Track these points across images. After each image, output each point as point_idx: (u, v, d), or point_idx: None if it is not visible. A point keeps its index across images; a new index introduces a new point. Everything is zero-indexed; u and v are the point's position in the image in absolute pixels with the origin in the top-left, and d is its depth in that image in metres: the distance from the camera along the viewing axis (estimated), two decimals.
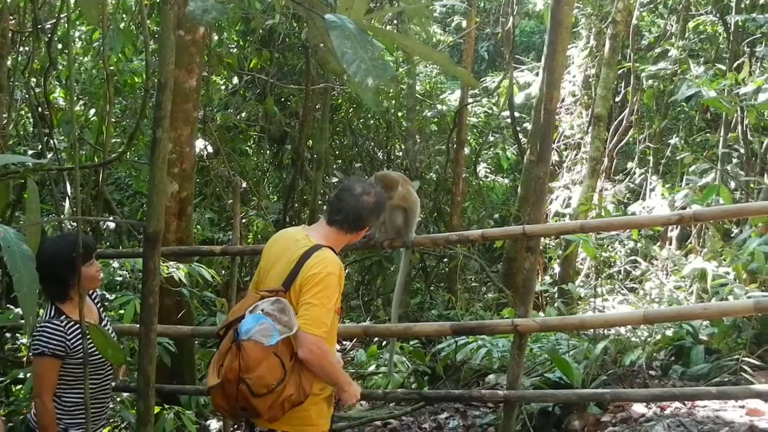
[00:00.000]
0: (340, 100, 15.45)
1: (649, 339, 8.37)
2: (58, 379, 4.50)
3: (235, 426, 7.24)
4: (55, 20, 9.76)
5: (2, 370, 8.08)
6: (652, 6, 15.45)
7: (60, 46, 11.66)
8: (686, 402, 6.93)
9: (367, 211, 4.34)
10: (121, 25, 10.10)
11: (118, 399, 7.44)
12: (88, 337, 3.51)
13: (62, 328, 4.46)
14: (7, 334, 8.36)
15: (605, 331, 8.27)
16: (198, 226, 12.30)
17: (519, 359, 5.84)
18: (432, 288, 14.07)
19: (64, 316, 4.51)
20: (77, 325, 4.44)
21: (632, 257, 12.09)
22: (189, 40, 8.15)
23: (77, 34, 12.11)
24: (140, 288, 7.33)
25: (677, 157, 13.53)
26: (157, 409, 7.32)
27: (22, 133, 11.67)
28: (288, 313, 3.99)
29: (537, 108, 12.07)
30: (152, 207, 2.96)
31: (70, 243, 4.41)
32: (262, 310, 3.99)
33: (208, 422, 7.87)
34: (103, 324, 4.76)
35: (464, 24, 16.37)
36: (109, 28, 9.05)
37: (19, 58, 10.19)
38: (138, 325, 6.74)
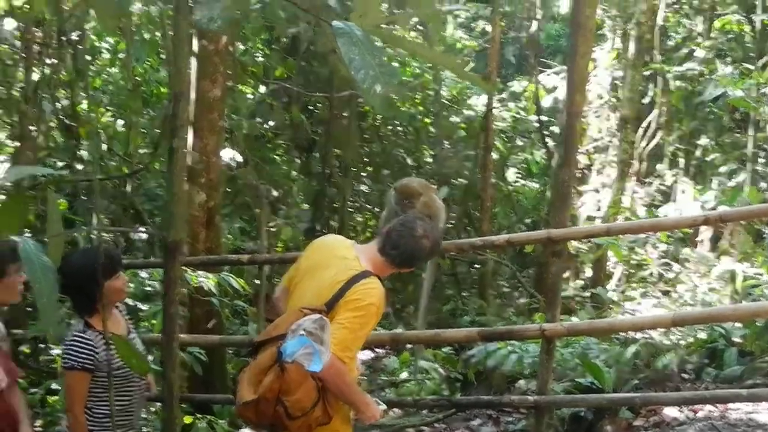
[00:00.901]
0: (367, 107, 15.45)
1: (681, 342, 8.31)
2: (89, 391, 4.52)
3: None
4: (80, 32, 9.81)
5: (37, 380, 8.14)
6: (677, 6, 15.34)
7: (88, 57, 11.78)
8: (719, 405, 6.89)
9: (422, 254, 4.34)
10: (146, 36, 10.16)
11: (152, 409, 7.47)
12: (113, 348, 3.54)
13: (91, 342, 4.42)
14: (41, 345, 8.42)
15: (636, 335, 8.21)
16: (228, 236, 12.34)
17: (548, 364, 5.80)
18: (464, 294, 14.02)
19: (92, 330, 4.53)
20: (98, 335, 4.47)
21: (664, 260, 12.02)
22: (212, 49, 8.17)
23: (105, 45, 12.17)
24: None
25: (707, 159, 13.45)
26: (189, 419, 7.36)
27: (52, 145, 11.72)
28: (326, 332, 3.96)
29: (563, 111, 12.02)
30: (172, 217, 2.96)
31: (96, 257, 4.43)
32: (305, 330, 3.93)
33: (241, 431, 7.88)
34: (130, 336, 4.76)
35: (489, 29, 16.31)
36: (134, 39, 9.11)
37: (47, 71, 10.23)
38: None
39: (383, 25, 2.60)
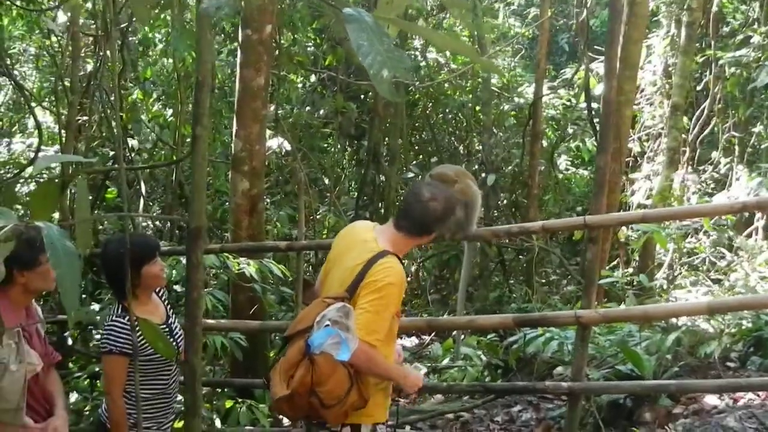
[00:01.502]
0: (417, 96, 15.50)
1: (726, 330, 8.25)
2: (128, 375, 4.64)
3: None
4: (126, 24, 9.97)
5: (85, 364, 8.32)
6: None
7: (141, 48, 11.97)
8: (761, 393, 6.85)
9: (433, 218, 4.30)
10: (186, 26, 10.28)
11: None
12: (140, 332, 3.62)
13: (128, 326, 4.53)
14: (93, 331, 8.59)
15: (678, 323, 8.17)
16: (277, 223, 12.46)
17: (583, 351, 5.83)
18: (511, 282, 14.03)
19: (126, 312, 4.65)
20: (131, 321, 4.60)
21: (716, 248, 11.91)
22: (256, 39, 8.25)
23: (158, 36, 12.33)
24: (209, 284, 7.53)
25: (762, 146, 13.28)
26: (230, 403, 7.49)
27: (105, 134, 11.93)
28: (351, 318, 3.99)
29: (615, 99, 11.95)
30: (194, 203, 3.04)
31: (132, 243, 4.54)
32: (330, 320, 3.97)
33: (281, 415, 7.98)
34: (169, 321, 4.87)
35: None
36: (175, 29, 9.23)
37: (99, 62, 10.42)
38: (210, 321, 6.94)
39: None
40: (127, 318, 4.58)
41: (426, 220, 4.28)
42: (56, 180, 2.87)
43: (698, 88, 15.52)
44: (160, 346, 3.39)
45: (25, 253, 3.67)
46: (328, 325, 3.95)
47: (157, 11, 10.05)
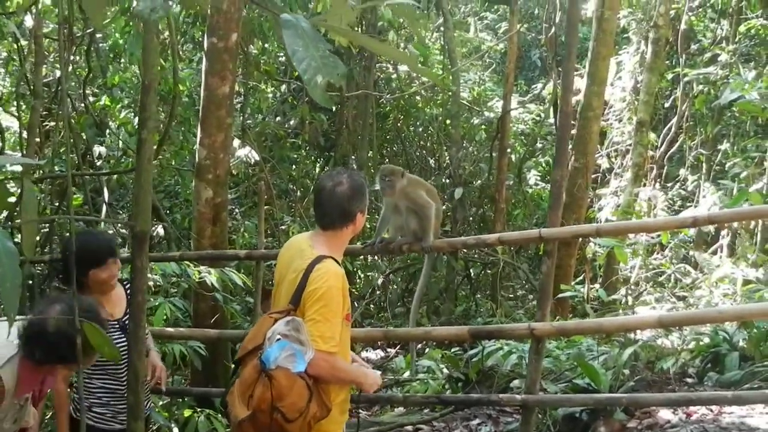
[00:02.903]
0: (388, 108, 15.55)
1: (684, 347, 8.33)
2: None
3: None
4: (91, 30, 9.97)
5: None
6: (701, 10, 15.32)
7: (111, 55, 11.96)
8: (714, 409, 6.92)
9: (347, 200, 4.27)
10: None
11: (161, 403, 7.61)
12: None
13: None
14: None
15: (636, 337, 8.25)
16: (244, 233, 12.47)
17: (537, 363, 5.87)
18: (478, 296, 14.08)
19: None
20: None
21: (681, 265, 12.02)
22: (222, 47, 8.26)
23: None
24: (170, 292, 7.52)
25: (726, 165, 13.41)
26: (189, 412, 7.48)
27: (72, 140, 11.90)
28: (302, 331, 4.00)
29: (582, 114, 12.06)
30: (139, 207, 3.07)
31: (84, 246, 4.58)
32: (280, 334, 3.98)
33: None
34: (125, 318, 4.89)
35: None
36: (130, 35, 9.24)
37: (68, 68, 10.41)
38: (169, 329, 6.94)
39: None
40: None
41: (342, 205, 4.27)
42: (4, 183, 2.88)
43: (666, 105, 15.68)
44: (106, 350, 3.40)
45: None
46: (279, 339, 3.97)
47: (112, 15, 10.09)
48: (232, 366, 8.22)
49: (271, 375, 3.93)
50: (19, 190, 7.82)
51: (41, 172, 10.02)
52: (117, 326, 4.82)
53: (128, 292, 4.95)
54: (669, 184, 15.34)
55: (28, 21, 10.40)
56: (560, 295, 9.11)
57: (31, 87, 10.08)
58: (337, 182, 4.31)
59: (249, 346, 4.12)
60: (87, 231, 5.18)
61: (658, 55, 13.44)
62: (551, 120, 16.31)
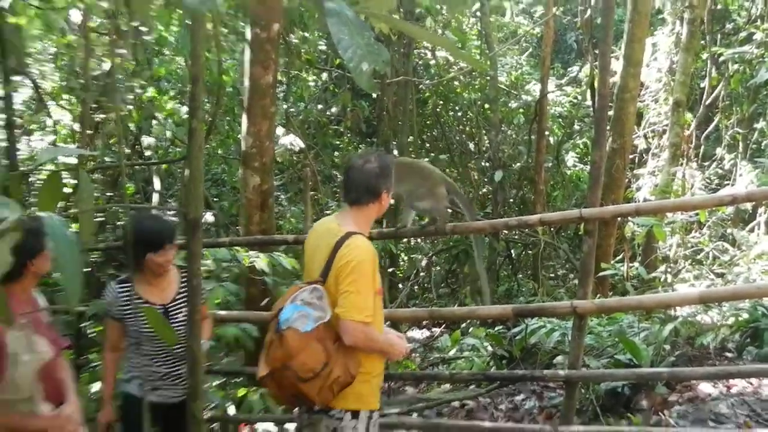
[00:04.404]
0: (427, 94, 15.55)
1: (723, 322, 8.30)
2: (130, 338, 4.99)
3: None
4: (139, 23, 10.05)
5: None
6: None
7: (156, 48, 12.06)
8: (753, 382, 6.91)
9: (374, 177, 4.38)
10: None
11: (215, 383, 7.72)
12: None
13: (112, 293, 4.92)
14: None
15: (676, 314, 8.24)
16: (291, 219, 12.55)
17: (579, 340, 5.87)
18: (519, 276, 14.09)
19: (127, 285, 4.91)
20: (126, 289, 4.90)
21: (719, 242, 11.95)
22: (264, 37, 8.28)
23: (172, 36, 12.41)
24: (222, 276, 7.60)
25: (763, 143, 13.31)
26: (243, 391, 7.58)
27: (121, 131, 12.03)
28: (324, 300, 4.11)
29: (619, 95, 11.99)
30: (191, 195, 3.12)
31: (145, 229, 4.71)
32: (302, 300, 4.08)
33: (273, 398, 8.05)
34: (171, 305, 4.99)
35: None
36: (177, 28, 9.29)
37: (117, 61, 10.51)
38: (222, 312, 7.02)
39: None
40: (121, 286, 4.91)
41: (369, 181, 4.37)
42: (60, 174, 2.94)
43: (702, 84, 15.54)
44: (164, 332, 3.47)
45: (32, 243, 3.76)
46: (296, 303, 4.07)
47: (157, 8, 10.19)
48: None
49: (282, 334, 4.03)
50: (73, 181, 7.95)
51: (92, 162, 10.16)
52: (161, 311, 4.90)
53: (183, 277, 5.06)
54: (706, 163, 15.24)
55: (75, 16, 10.50)
56: (601, 274, 9.11)
57: (81, 81, 10.21)
58: (366, 160, 4.43)
59: (275, 311, 4.22)
60: (152, 215, 5.24)
61: (694, 35, 13.33)
62: (588, 102, 16.30)
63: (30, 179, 9.75)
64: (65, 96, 12.20)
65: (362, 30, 2.23)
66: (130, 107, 10.96)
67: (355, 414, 4.27)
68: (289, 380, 4.04)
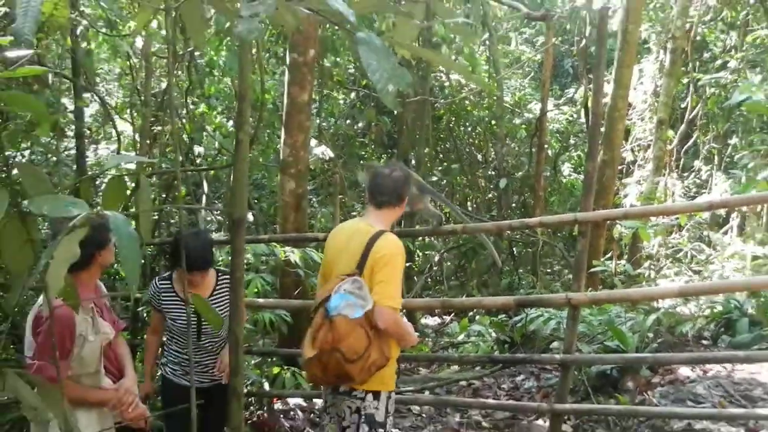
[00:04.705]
0: (441, 111, 15.55)
1: (700, 313, 8.27)
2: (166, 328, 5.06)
3: None
4: (193, 48, 10.12)
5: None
6: (712, 23, 15.11)
7: (207, 69, 12.10)
8: (727, 366, 6.87)
9: (401, 184, 4.41)
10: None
11: (253, 362, 7.72)
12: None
13: (155, 286, 4.98)
14: None
15: (658, 306, 8.20)
16: (321, 219, 12.57)
17: (573, 328, 5.84)
18: (520, 271, 14.07)
19: (168, 282, 4.97)
20: (166, 286, 4.95)
21: (696, 243, 11.90)
22: (301, 61, 8.32)
23: (221, 59, 12.46)
24: (260, 269, 7.60)
25: (736, 157, 13.26)
26: (277, 369, 7.57)
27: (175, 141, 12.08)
28: (364, 289, 4.11)
29: (609, 114, 11.94)
30: (236, 196, 3.11)
31: (191, 252, 4.64)
32: (345, 290, 4.08)
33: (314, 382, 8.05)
34: (211, 301, 4.93)
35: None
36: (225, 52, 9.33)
37: (172, 80, 10.56)
38: (260, 300, 7.02)
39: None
40: (161, 283, 4.98)
41: (397, 187, 4.39)
42: (123, 178, 2.94)
43: (683, 105, 15.52)
44: (210, 317, 3.46)
45: (100, 236, 3.78)
46: (342, 293, 4.06)
47: (218, 35, 10.24)
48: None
49: (332, 320, 4.02)
50: (133, 184, 7.99)
51: (150, 168, 10.19)
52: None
53: (219, 278, 5.05)
54: (685, 174, 15.21)
55: (137, 42, 10.57)
56: (592, 270, 9.08)
57: (142, 98, 10.27)
58: (393, 169, 4.46)
59: (319, 300, 4.19)
60: (201, 240, 5.10)
61: (676, 63, 13.29)
62: (582, 120, 16.29)
63: (96, 182, 9.82)
64: (128, 110, 12.29)
65: (388, 56, 2.22)
66: (184, 121, 10.99)
67: (377, 395, 4.26)
68: (336, 361, 4.03)
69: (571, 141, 17.17)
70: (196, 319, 4.88)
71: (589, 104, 14.41)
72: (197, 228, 5.37)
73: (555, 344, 8.11)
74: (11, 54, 2.41)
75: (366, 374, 4.11)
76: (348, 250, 4.30)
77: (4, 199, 2.32)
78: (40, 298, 3.83)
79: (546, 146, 14.72)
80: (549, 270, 14.62)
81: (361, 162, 14.60)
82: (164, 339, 5.30)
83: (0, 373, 2.33)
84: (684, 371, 6.95)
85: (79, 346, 3.85)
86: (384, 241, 4.21)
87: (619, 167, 13.83)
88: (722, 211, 13.06)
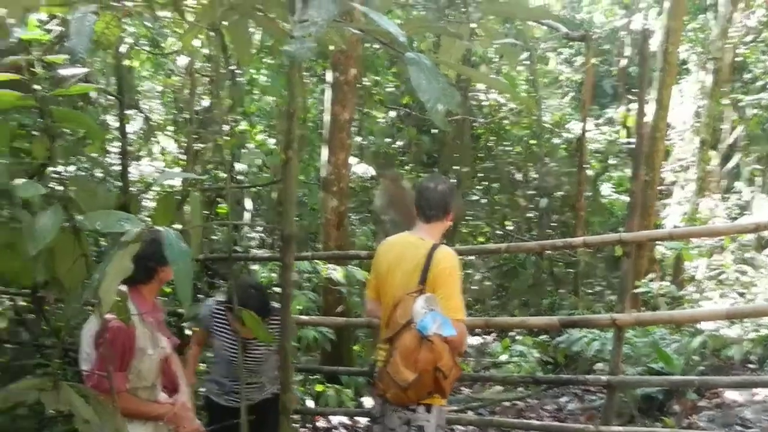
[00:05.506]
0: (481, 130, 15.50)
1: (746, 336, 8.10)
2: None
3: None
4: (235, 66, 10.17)
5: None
6: (753, 45, 14.94)
7: (248, 87, 12.16)
8: None
9: (449, 196, 4.37)
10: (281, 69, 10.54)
11: (297, 379, 7.69)
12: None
13: (209, 309, 5.02)
14: None
15: (703, 328, 8.06)
16: (361, 236, 12.53)
17: (619, 349, 5.74)
18: (561, 291, 13.94)
19: (223, 310, 4.97)
20: (220, 313, 4.97)
21: (740, 265, 11.71)
22: (342, 80, 8.34)
23: (262, 78, 12.51)
24: (303, 286, 7.58)
25: None
26: (321, 387, 7.54)
27: (218, 159, 12.11)
28: (437, 304, 4.07)
29: (650, 135, 11.81)
30: (286, 214, 3.08)
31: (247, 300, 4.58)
32: (429, 308, 4.01)
33: (363, 399, 8.01)
34: (257, 340, 4.88)
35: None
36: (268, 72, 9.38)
37: (213, 99, 10.64)
38: (303, 317, 6.99)
39: None
40: (217, 308, 5.01)
41: (446, 200, 4.34)
42: (173, 194, 2.93)
43: (724, 126, 15.34)
44: (259, 333, 3.44)
45: (162, 250, 3.77)
46: (426, 312, 4.00)
47: (258, 54, 10.30)
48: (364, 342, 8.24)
49: (431, 341, 3.97)
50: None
51: (194, 185, 10.25)
52: (242, 342, 4.84)
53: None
54: (727, 196, 15.00)
55: (181, 60, 10.66)
56: (636, 290, 8.95)
57: (185, 115, 10.34)
58: (438, 183, 4.41)
59: (402, 321, 4.12)
60: (255, 291, 5.04)
61: (716, 83, 13.18)
62: (621, 140, 16.15)
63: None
64: (170, 127, 12.38)
65: (437, 75, 2.20)
66: (227, 138, 11.04)
67: (429, 408, 4.21)
68: (435, 380, 4.03)
69: (611, 161, 17.01)
70: (243, 348, 4.83)
71: (629, 124, 14.35)
72: (253, 282, 5.30)
73: (599, 365, 8.00)
74: (65, 72, 2.40)
75: (449, 387, 4.16)
76: (403, 265, 4.26)
77: (58, 214, 2.31)
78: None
79: (586, 166, 14.59)
80: (590, 290, 14.44)
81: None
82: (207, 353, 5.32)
83: (55, 386, 2.32)
84: (731, 395, 6.83)
85: (138, 359, 3.85)
86: (441, 254, 4.17)
87: (660, 188, 13.68)
88: (766, 233, 12.85)
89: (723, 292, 10.81)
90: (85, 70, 2.36)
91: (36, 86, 2.32)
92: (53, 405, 2.28)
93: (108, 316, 2.50)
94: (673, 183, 15.16)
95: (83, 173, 10.02)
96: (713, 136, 14.28)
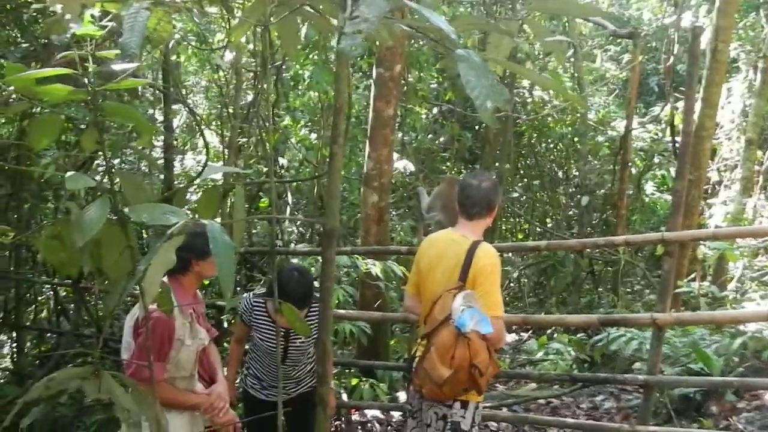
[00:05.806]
0: (524, 127, 15.44)
1: None
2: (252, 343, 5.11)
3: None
4: (280, 62, 10.25)
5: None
6: None
7: (292, 83, 12.25)
8: None
9: (492, 193, 4.40)
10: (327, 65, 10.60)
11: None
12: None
13: (249, 302, 5.00)
14: None
15: (745, 329, 7.97)
16: (401, 232, 12.57)
17: (658, 349, 5.74)
18: (600, 289, 13.86)
19: (262, 302, 4.99)
20: (260, 305, 4.97)
21: None
22: (387, 76, 8.36)
23: (306, 73, 12.59)
24: (341, 280, 7.64)
25: None
26: (355, 381, 7.60)
27: (260, 153, 12.22)
28: (476, 300, 4.11)
29: (696, 133, 11.69)
30: (329, 208, 3.12)
31: (287, 286, 4.60)
32: (468, 305, 4.08)
33: (398, 394, 8.06)
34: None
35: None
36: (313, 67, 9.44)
37: (258, 94, 10.72)
38: (340, 311, 7.05)
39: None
40: (256, 301, 5.00)
41: (489, 197, 4.38)
42: (218, 188, 2.98)
43: None
44: (297, 326, 3.49)
45: (201, 245, 3.80)
46: (464, 309, 4.05)
47: (304, 50, 10.37)
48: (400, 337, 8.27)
49: (468, 337, 4.02)
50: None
51: (238, 179, 10.34)
52: (283, 333, 4.87)
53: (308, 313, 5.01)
54: None
55: (227, 56, 10.77)
56: (677, 290, 8.89)
57: (230, 109, 10.44)
58: (481, 179, 4.44)
59: (440, 317, 4.19)
60: (299, 275, 5.03)
61: (766, 82, 12.96)
62: (667, 138, 15.99)
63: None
64: (215, 122, 12.51)
65: (486, 72, 2.23)
66: (270, 133, 11.14)
67: (465, 404, 4.26)
68: (470, 376, 4.08)
69: (656, 160, 16.84)
70: (284, 339, 4.89)
71: (676, 123, 14.20)
72: (296, 266, 5.31)
73: (637, 365, 7.96)
74: (116, 67, 2.47)
75: (485, 384, 4.20)
76: (444, 261, 4.31)
77: (105, 206, 2.38)
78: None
79: (630, 164, 14.47)
80: (629, 289, 14.33)
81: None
82: (247, 347, 5.37)
83: (96, 375, 2.39)
84: None
85: (176, 350, 3.94)
86: (483, 251, 4.23)
87: (705, 187, 13.53)
88: None
89: (765, 294, 10.69)
90: (135, 65, 2.42)
91: (86, 80, 2.39)
92: (94, 394, 2.32)
93: (150, 307, 2.56)
94: (719, 182, 14.99)
95: (128, 166, 10.20)
96: (760, 135, 14.07)
